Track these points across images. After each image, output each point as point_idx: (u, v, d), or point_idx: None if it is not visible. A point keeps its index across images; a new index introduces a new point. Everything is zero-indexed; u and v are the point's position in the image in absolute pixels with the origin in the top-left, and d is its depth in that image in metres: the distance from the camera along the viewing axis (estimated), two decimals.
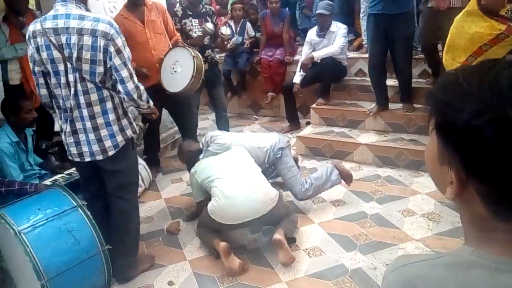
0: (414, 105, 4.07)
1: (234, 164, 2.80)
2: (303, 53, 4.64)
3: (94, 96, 2.15)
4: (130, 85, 2.14)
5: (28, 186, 2.74)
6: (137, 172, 2.52)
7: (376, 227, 2.91)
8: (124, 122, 2.28)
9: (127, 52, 2.14)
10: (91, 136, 2.21)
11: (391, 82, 4.11)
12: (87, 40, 2.03)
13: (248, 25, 5.41)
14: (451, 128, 0.55)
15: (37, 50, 2.09)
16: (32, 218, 2.11)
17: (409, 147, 3.79)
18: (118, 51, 2.08)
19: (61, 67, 2.10)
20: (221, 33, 4.18)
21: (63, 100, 2.17)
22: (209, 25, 3.92)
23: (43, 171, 3.18)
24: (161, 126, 4.41)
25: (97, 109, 2.18)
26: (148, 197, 3.64)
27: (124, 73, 2.11)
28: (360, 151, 3.99)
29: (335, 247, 2.72)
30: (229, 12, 5.77)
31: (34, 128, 3.29)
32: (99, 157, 2.25)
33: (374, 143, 3.98)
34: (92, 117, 2.18)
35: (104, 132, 2.21)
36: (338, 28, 4.43)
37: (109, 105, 2.20)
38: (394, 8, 3.62)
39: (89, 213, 2.21)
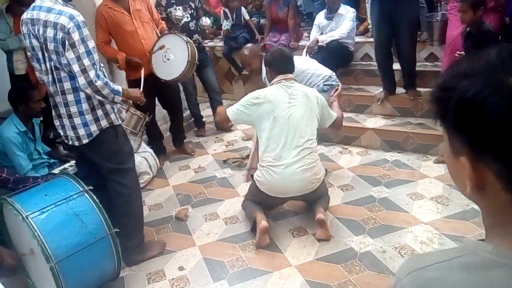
0: (420, 89, 4.03)
1: (292, 125, 2.64)
2: (311, 36, 4.59)
3: (67, 85, 2.21)
4: (81, 80, 2.12)
5: (40, 179, 2.77)
6: (128, 158, 2.51)
7: (384, 211, 2.91)
8: (100, 112, 2.30)
9: (85, 46, 2.11)
10: (68, 122, 2.29)
11: (398, 66, 4.07)
12: (49, 32, 2.10)
13: (243, 10, 5.37)
14: (449, 109, 0.55)
15: (24, 37, 2.24)
16: (40, 203, 2.13)
17: (417, 131, 3.77)
18: (72, 45, 2.08)
19: (40, 55, 2.22)
20: (201, 25, 4.29)
21: (48, 85, 2.30)
22: (206, 21, 4.27)
23: (52, 160, 3.20)
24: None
25: (70, 97, 2.23)
26: (156, 185, 3.66)
27: (76, 67, 2.11)
28: (367, 135, 3.97)
29: (344, 231, 2.72)
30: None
31: (41, 118, 3.30)
32: (76, 143, 2.33)
33: (381, 128, 3.95)
34: (66, 104, 2.25)
35: (77, 121, 2.27)
36: (347, 12, 4.36)
37: (82, 94, 2.23)
38: None
39: (95, 197, 2.22)
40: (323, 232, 2.65)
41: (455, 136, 0.57)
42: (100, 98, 2.23)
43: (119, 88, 2.30)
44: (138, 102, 2.63)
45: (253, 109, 2.67)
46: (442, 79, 0.60)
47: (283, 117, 2.63)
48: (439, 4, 3.78)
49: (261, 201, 2.77)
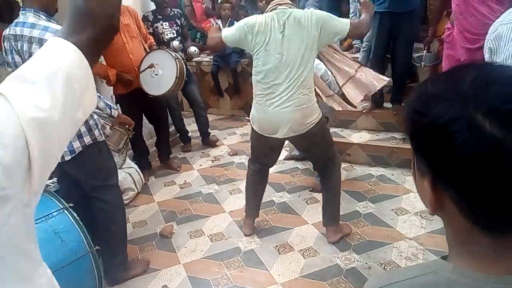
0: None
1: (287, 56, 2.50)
2: None
3: None
4: None
5: None
6: (111, 174, 2.49)
7: (369, 226, 2.92)
8: (83, 128, 2.29)
9: None
10: None
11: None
12: (35, 48, 2.09)
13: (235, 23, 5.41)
14: (418, 133, 0.55)
15: (5, 53, 2.23)
16: None
17: (401, 146, 3.81)
18: None
19: None
20: (189, 53, 4.50)
21: None
22: (192, 49, 4.45)
23: None
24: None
25: None
26: (141, 201, 3.61)
27: None
28: (352, 150, 4.00)
29: (329, 247, 2.72)
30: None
31: None
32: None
33: (366, 142, 3.99)
34: None
35: None
36: None
37: None
38: (400, 7, 3.56)
39: (76, 215, 2.19)
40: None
41: (421, 160, 0.57)
42: (96, 111, 2.23)
43: (112, 104, 2.34)
44: (127, 126, 2.63)
45: (249, 37, 2.58)
46: (415, 97, 0.58)
47: (277, 54, 2.51)
48: (427, 48, 3.70)
49: (259, 150, 2.80)
